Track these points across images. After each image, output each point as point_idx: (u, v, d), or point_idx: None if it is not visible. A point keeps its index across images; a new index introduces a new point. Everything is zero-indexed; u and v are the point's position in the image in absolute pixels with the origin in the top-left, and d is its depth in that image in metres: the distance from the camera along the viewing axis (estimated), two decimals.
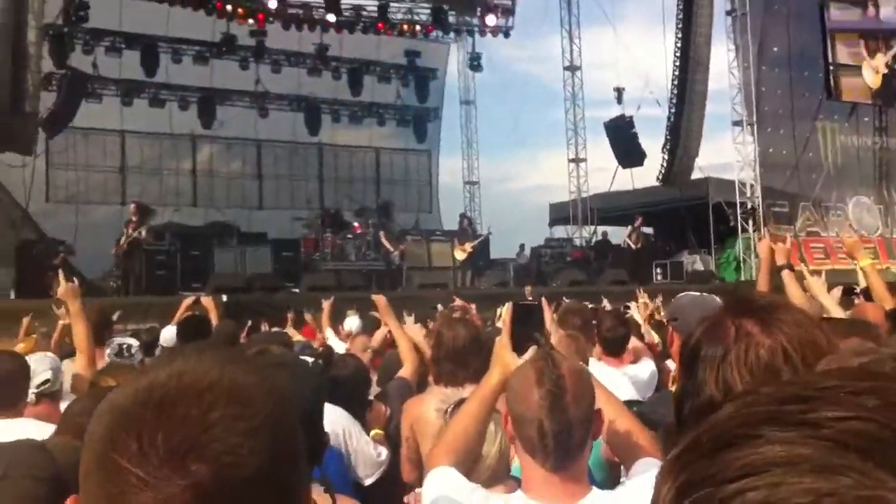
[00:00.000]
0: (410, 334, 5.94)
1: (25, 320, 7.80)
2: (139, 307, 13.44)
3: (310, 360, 3.51)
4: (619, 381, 4.82)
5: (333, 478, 3.19)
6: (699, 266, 24.33)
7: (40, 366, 4.18)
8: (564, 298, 9.93)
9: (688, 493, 0.57)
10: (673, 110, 24.48)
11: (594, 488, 2.38)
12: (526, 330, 2.67)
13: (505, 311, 2.77)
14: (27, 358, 4.17)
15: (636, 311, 8.67)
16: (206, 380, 0.91)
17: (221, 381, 0.91)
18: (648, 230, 28.14)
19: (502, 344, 2.68)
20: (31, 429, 3.35)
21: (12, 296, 16.09)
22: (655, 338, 7.26)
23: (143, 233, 17.56)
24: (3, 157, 18.11)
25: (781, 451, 0.55)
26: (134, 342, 5.45)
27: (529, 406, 2.29)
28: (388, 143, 29.69)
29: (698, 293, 3.75)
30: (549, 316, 2.84)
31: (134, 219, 17.69)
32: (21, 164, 19.24)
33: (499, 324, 5.09)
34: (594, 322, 5.91)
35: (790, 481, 0.54)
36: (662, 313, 9.66)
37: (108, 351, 5.38)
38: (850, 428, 0.55)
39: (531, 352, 2.62)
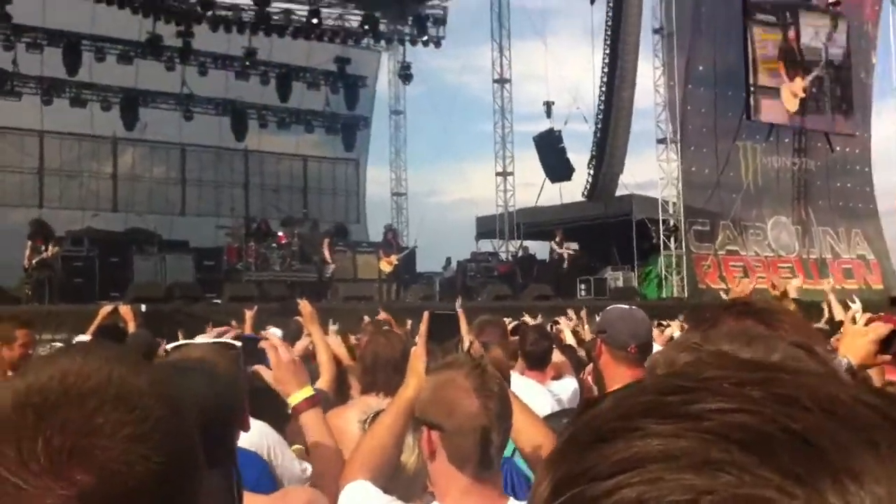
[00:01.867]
0: (332, 345, 5.85)
1: None
2: (54, 316, 13.02)
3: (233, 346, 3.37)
4: (542, 397, 4.81)
5: (262, 487, 3.10)
6: (622, 283, 24.64)
7: None
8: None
9: (562, 491, 0.53)
10: (599, 126, 24.78)
11: (511, 498, 2.33)
12: (443, 339, 2.66)
13: (422, 320, 2.74)
14: None
15: (567, 330, 8.67)
16: (90, 381, 0.86)
17: (108, 383, 0.87)
18: (573, 245, 28.47)
19: (417, 354, 2.65)
20: None
21: None
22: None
23: (51, 250, 17.12)
24: None
25: (659, 445, 0.51)
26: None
27: (469, 416, 2.22)
28: (315, 151, 29.48)
29: (627, 306, 3.78)
30: (464, 325, 2.83)
31: (35, 244, 17.27)
32: None
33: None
34: (512, 335, 5.90)
35: (668, 478, 0.50)
36: (586, 328, 9.73)
37: None
38: (733, 421, 0.51)
39: (448, 359, 2.59)
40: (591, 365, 6.57)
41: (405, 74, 28.94)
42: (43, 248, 17.18)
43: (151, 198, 25.74)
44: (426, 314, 2.76)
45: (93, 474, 0.81)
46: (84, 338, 6.85)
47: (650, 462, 0.51)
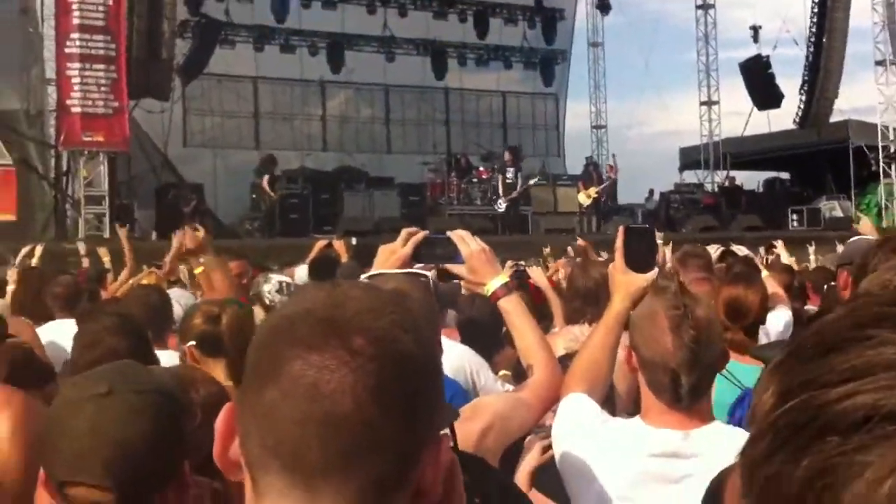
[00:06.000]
0: (534, 276, 6.00)
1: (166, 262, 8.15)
2: (274, 249, 13.88)
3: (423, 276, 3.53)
4: None
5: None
6: (838, 212, 23.35)
7: (179, 302, 4.40)
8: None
9: (789, 398, 0.54)
10: (812, 49, 23.50)
11: (717, 421, 2.37)
12: (640, 253, 2.66)
13: (617, 235, 2.74)
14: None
15: (784, 252, 8.43)
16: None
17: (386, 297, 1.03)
18: (784, 175, 27.25)
19: (617, 268, 2.66)
20: (176, 360, 3.52)
21: (154, 237, 16.82)
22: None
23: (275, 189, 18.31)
24: (142, 103, 18.80)
25: (893, 354, 0.51)
26: (287, 279, 5.67)
27: (662, 353, 2.27)
28: (514, 87, 29.40)
29: (872, 237, 3.67)
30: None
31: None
32: (160, 111, 19.96)
33: None
34: (719, 266, 5.79)
35: None
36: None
37: (267, 288, 5.60)
38: None
39: (654, 272, 2.63)
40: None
41: (603, 5, 28.32)
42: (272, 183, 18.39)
43: (359, 137, 26.56)
44: (621, 228, 2.77)
45: (370, 342, 0.92)
46: (303, 267, 7.33)
47: (884, 370, 0.51)
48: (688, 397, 2.27)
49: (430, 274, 2.96)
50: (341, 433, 0.90)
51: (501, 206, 20.37)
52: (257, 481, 0.93)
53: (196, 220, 12.84)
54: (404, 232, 2.61)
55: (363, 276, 2.61)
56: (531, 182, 20.98)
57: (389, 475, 0.92)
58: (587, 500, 2.41)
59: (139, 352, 2.84)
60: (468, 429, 2.26)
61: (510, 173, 20.75)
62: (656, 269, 2.69)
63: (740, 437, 2.34)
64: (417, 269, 2.75)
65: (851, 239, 3.70)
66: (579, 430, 2.46)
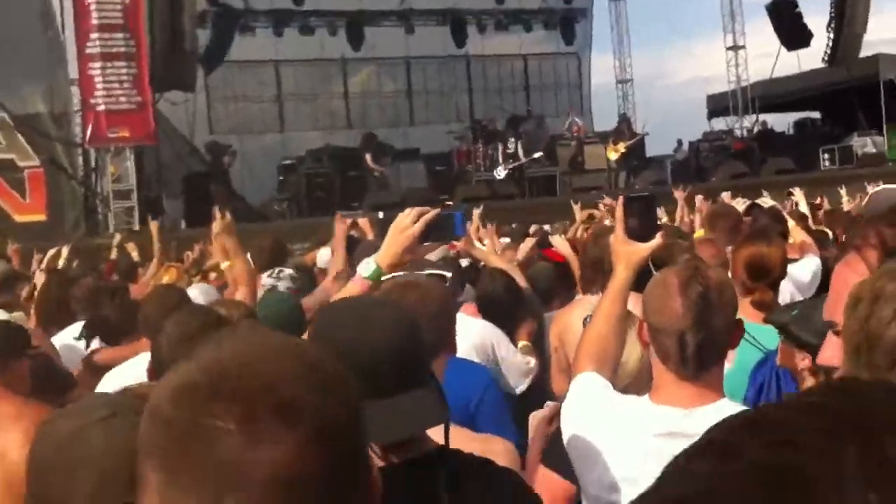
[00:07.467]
0: (556, 245, 5.98)
1: (189, 255, 8.23)
2: (302, 229, 13.91)
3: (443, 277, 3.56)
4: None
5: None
6: (870, 149, 22.91)
7: (200, 298, 4.44)
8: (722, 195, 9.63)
9: None
10: None
11: (725, 398, 2.35)
12: (641, 222, 2.65)
13: (617, 204, 2.73)
14: (188, 290, 4.43)
15: (802, 201, 8.30)
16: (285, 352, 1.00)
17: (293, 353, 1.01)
18: (815, 115, 26.79)
19: (618, 238, 2.66)
20: None
21: (183, 226, 16.99)
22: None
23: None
24: (167, 94, 18.94)
25: None
26: (290, 271, 5.51)
27: (670, 316, 2.27)
28: (535, 49, 29.14)
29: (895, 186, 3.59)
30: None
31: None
32: (184, 101, 20.09)
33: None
34: (748, 220, 5.73)
35: None
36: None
37: (282, 286, 5.34)
38: None
39: (656, 240, 2.62)
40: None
41: None
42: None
43: (382, 112, 26.55)
44: (620, 198, 2.76)
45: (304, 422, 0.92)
46: (326, 250, 7.34)
47: None
48: (694, 362, 2.26)
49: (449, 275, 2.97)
50: None
51: (501, 173, 20.24)
52: None
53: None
54: (415, 211, 2.62)
55: (385, 277, 2.63)
56: (535, 156, 20.87)
57: None
58: (593, 480, 2.43)
59: None
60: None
61: (511, 142, 20.82)
62: (658, 238, 2.68)
63: None
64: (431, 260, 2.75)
65: (876, 189, 3.62)
66: (588, 410, 2.47)
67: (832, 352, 1.59)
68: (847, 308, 1.37)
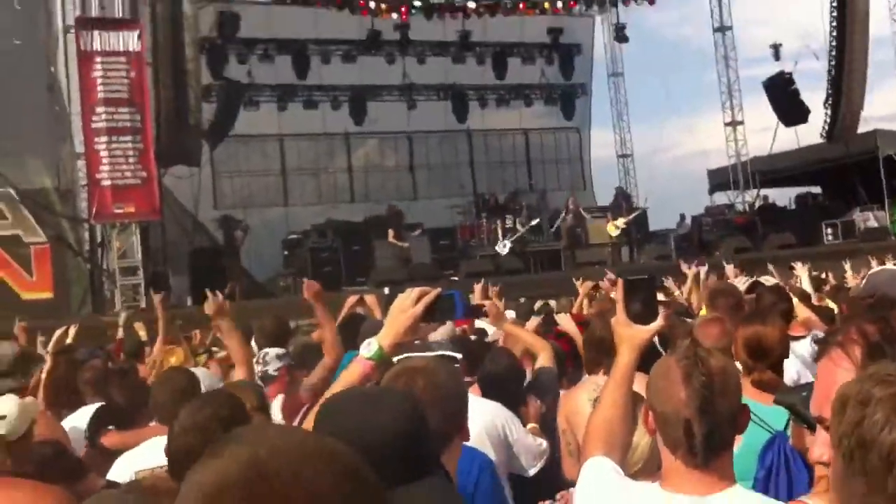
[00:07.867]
0: (562, 323, 5.96)
1: (197, 333, 8.18)
2: (309, 305, 13.87)
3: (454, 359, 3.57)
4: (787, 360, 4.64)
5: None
6: (873, 223, 23.03)
7: (205, 382, 4.43)
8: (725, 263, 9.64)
9: None
10: (833, 62, 23.30)
11: (737, 484, 2.35)
12: (641, 304, 2.67)
13: (617, 287, 2.75)
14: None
15: (804, 275, 8.29)
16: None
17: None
18: (815, 189, 26.96)
19: (619, 321, 2.68)
20: None
21: (189, 302, 16.92)
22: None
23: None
24: (172, 169, 19.07)
25: None
26: (275, 351, 5.38)
27: (675, 405, 2.28)
28: (536, 124, 29.54)
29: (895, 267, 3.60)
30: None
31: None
32: (189, 175, 20.22)
33: None
34: (751, 298, 5.73)
35: None
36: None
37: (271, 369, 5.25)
38: None
39: (658, 322, 2.64)
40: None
41: (621, 36, 28.38)
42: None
43: (385, 186, 26.76)
44: (620, 281, 2.78)
45: None
46: None
47: None
48: (703, 450, 2.26)
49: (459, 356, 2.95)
50: None
51: (504, 248, 20.33)
52: None
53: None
54: (416, 291, 2.62)
55: (397, 358, 2.63)
56: (532, 223, 20.99)
57: None
58: None
59: None
60: None
61: (508, 218, 21.11)
62: (660, 319, 2.70)
63: (760, 503, 2.33)
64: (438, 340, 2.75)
65: (876, 270, 3.63)
66: (602, 498, 2.45)
67: (821, 450, 1.61)
68: (834, 412, 1.39)
